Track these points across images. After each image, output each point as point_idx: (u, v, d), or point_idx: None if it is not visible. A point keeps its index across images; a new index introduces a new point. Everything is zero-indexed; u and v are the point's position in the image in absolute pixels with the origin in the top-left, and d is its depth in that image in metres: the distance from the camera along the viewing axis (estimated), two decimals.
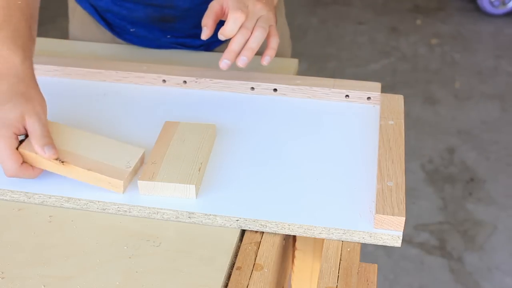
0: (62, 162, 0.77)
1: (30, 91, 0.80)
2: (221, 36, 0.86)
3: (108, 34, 1.15)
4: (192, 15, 1.07)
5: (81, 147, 0.80)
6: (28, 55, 0.83)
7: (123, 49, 1.13)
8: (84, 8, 1.15)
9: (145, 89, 0.99)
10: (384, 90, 0.95)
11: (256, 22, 0.86)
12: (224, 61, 0.86)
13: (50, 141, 0.78)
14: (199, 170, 0.78)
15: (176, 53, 1.11)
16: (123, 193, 0.78)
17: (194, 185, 0.76)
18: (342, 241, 0.73)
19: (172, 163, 0.79)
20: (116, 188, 0.77)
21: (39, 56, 0.91)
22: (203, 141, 0.83)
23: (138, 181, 0.77)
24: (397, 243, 0.73)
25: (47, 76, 1.00)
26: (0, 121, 0.77)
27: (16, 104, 0.77)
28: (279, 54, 0.96)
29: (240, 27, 0.85)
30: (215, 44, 1.13)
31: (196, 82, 0.98)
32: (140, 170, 0.82)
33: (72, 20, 1.20)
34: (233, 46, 0.85)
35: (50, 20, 2.96)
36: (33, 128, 0.77)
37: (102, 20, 1.14)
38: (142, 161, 0.82)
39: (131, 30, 1.12)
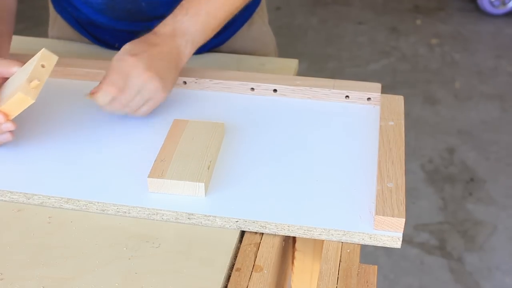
0: None
1: None
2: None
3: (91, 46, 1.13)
4: None
5: None
6: None
7: None
8: (65, 19, 1.14)
9: None
10: (384, 90, 0.95)
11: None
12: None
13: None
14: (208, 168, 0.79)
15: None
16: (34, 101, 0.78)
17: (203, 183, 0.76)
18: (342, 242, 0.73)
19: (181, 161, 0.79)
20: (26, 102, 0.77)
21: None
22: (212, 139, 0.84)
23: (148, 179, 0.77)
24: (397, 244, 0.73)
25: None
26: None
27: None
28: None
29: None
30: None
31: (196, 82, 0.98)
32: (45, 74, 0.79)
33: (52, 29, 1.20)
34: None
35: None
36: None
37: (86, 32, 1.12)
38: (49, 60, 0.80)
39: (116, 45, 1.11)
